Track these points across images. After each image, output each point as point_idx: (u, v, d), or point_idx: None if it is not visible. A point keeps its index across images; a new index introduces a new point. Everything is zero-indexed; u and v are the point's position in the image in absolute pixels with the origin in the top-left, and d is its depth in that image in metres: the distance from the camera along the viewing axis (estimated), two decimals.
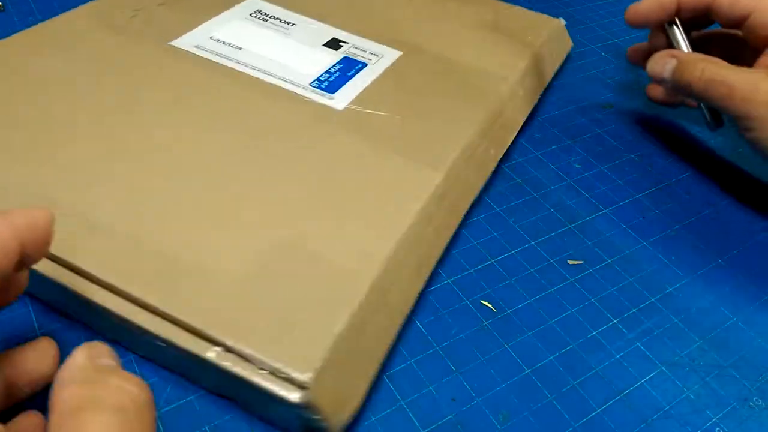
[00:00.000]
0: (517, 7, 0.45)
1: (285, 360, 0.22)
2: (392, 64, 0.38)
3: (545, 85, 0.42)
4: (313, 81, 0.35)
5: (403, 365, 0.27)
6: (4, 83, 0.32)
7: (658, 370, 0.28)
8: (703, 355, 0.29)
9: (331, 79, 0.35)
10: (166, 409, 0.24)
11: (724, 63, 0.34)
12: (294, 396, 0.21)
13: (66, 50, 0.35)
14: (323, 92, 0.34)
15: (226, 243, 0.26)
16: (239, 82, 0.34)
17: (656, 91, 0.41)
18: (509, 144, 0.37)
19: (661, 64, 0.36)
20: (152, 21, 0.38)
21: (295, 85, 0.35)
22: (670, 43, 0.38)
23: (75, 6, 0.45)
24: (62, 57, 0.34)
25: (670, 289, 0.31)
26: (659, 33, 0.39)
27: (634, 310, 0.30)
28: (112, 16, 0.38)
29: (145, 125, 0.31)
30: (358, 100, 0.34)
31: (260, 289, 0.24)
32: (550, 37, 0.43)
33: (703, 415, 0.26)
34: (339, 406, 0.23)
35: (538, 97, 0.41)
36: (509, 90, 0.38)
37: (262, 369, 0.22)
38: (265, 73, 0.35)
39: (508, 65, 0.39)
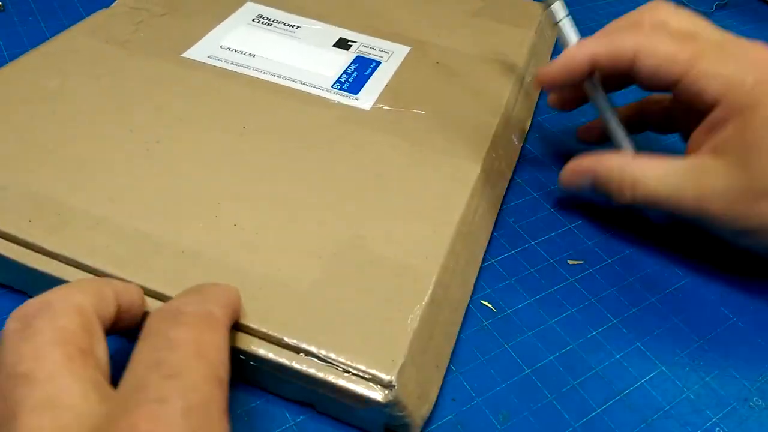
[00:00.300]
0: None
1: (368, 361, 0.22)
2: (404, 60, 0.38)
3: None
4: (334, 83, 0.35)
5: None
6: (23, 107, 0.31)
7: (658, 370, 0.28)
8: (703, 355, 0.29)
9: (350, 80, 0.36)
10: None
11: (643, 161, 0.30)
12: (381, 396, 0.22)
13: (78, 70, 0.34)
14: (347, 93, 0.35)
15: (290, 252, 0.26)
16: (262, 89, 0.34)
17: (587, 134, 0.37)
18: (528, 129, 0.38)
19: (578, 182, 0.32)
20: (157, 33, 0.38)
21: (318, 88, 0.35)
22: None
23: (75, 6, 0.45)
24: (77, 77, 0.33)
25: (670, 289, 0.31)
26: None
27: (634, 310, 0.30)
28: (113, 31, 0.37)
29: (183, 141, 0.30)
30: (383, 98, 0.35)
31: (330, 293, 0.25)
32: (543, 21, 0.44)
33: (703, 415, 0.26)
34: (420, 402, 0.23)
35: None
36: (521, 75, 0.39)
37: (346, 372, 0.22)
38: (284, 78, 0.35)
39: (513, 51, 0.40)
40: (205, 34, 0.38)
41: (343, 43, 0.39)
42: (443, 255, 0.27)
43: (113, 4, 0.40)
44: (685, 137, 0.31)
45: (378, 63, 0.37)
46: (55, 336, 0.16)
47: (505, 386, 0.26)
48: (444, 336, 0.26)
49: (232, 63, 0.36)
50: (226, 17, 0.40)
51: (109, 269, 0.24)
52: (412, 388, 0.23)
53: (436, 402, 0.25)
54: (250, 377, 0.24)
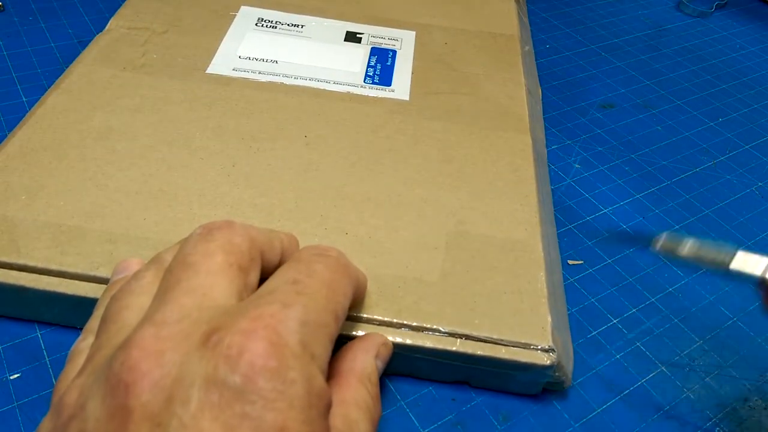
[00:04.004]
0: None
1: (523, 333, 0.25)
2: (415, 46, 0.39)
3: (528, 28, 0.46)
4: (365, 78, 0.36)
5: None
6: (77, 151, 0.30)
7: (658, 370, 0.28)
8: (703, 355, 0.29)
9: (377, 72, 0.36)
10: None
11: None
12: (547, 360, 0.24)
13: (112, 104, 0.32)
14: (381, 86, 0.36)
15: (408, 249, 0.27)
16: (303, 95, 0.34)
17: None
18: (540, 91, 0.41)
19: None
20: (167, 52, 0.36)
21: (352, 85, 0.35)
22: None
23: (75, 6, 0.45)
24: (116, 111, 0.32)
25: (670, 289, 0.31)
26: None
27: (634, 310, 0.30)
28: (123, 56, 0.36)
29: (256, 160, 0.30)
30: (415, 86, 0.36)
31: (461, 279, 0.26)
32: None
33: (703, 415, 0.26)
34: (567, 358, 0.26)
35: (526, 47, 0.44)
36: (520, 40, 0.41)
37: (506, 346, 0.24)
38: (317, 80, 0.36)
39: (505, 22, 0.43)
40: (216, 47, 0.37)
41: (352, 36, 0.39)
42: (537, 223, 0.29)
43: (108, 26, 0.38)
44: None
45: (394, 52, 0.38)
46: (225, 246, 0.19)
47: None
48: (560, 297, 0.29)
49: (259, 73, 0.36)
50: (227, 26, 0.39)
51: None
52: (560, 349, 0.25)
53: (436, 402, 0.25)
54: (405, 369, 0.26)
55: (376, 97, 0.35)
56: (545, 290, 0.26)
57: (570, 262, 0.32)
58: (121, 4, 0.40)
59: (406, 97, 0.35)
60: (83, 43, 0.36)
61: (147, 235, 0.26)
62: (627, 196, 0.36)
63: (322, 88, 0.35)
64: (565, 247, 0.33)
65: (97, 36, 0.37)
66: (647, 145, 0.41)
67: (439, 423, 0.25)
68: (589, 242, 0.33)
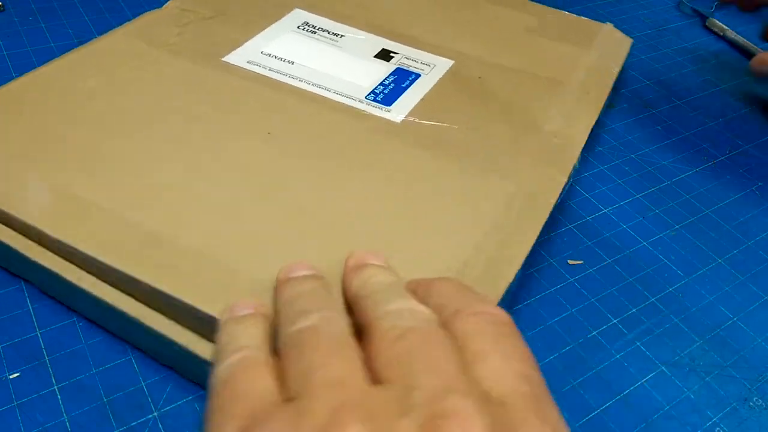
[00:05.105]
0: (563, 12, 0.45)
1: None
2: (446, 74, 0.37)
3: (609, 87, 0.39)
4: (369, 94, 0.35)
5: None
6: (59, 105, 0.31)
7: (658, 370, 0.28)
8: (703, 355, 0.29)
9: (386, 92, 0.35)
10: (165, 408, 0.24)
11: None
12: None
13: (117, 71, 0.34)
14: (379, 105, 0.34)
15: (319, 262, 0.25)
16: (294, 96, 0.34)
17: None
18: (579, 155, 0.33)
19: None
20: (201, 36, 0.37)
21: (351, 98, 0.34)
22: None
23: (75, 6, 0.45)
24: (116, 78, 0.34)
25: (670, 289, 0.31)
26: None
27: (634, 310, 0.30)
28: (156, 34, 0.37)
29: (207, 145, 0.30)
30: (416, 111, 0.34)
31: None
32: (602, 39, 0.42)
33: (703, 415, 0.26)
34: None
35: (605, 100, 0.38)
36: (572, 93, 0.37)
37: None
38: (319, 86, 0.35)
39: (563, 69, 0.38)
40: (248, 40, 0.38)
41: (384, 54, 0.38)
42: (457, 272, 0.26)
43: (165, 5, 0.40)
44: None
45: (417, 75, 0.37)
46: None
47: None
48: None
49: (270, 69, 0.36)
50: (271, 24, 0.39)
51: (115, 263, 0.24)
52: None
53: None
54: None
55: (366, 113, 0.34)
56: None
57: (570, 262, 0.32)
58: (121, 5, 0.40)
59: (398, 120, 0.33)
60: (83, 44, 0.36)
61: (69, 190, 0.27)
62: (627, 196, 0.36)
63: (321, 94, 0.34)
64: (565, 247, 0.33)
65: (150, 12, 0.39)
66: (647, 145, 0.41)
67: None
68: (589, 242, 0.33)
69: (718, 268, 0.33)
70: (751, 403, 0.27)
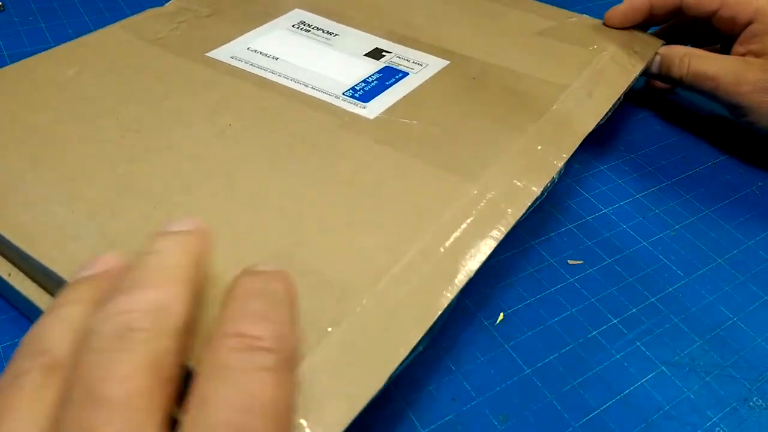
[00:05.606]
0: (583, 16, 0.43)
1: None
2: (436, 74, 0.36)
3: (618, 94, 0.36)
4: (347, 90, 0.34)
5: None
6: (33, 93, 0.32)
7: (658, 370, 0.28)
8: (703, 355, 0.29)
9: (367, 89, 0.34)
10: None
11: (705, 53, 0.38)
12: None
13: (98, 61, 0.34)
14: (356, 101, 0.33)
15: (225, 251, 0.24)
16: (268, 90, 0.34)
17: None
18: (561, 167, 0.31)
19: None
20: (194, 32, 0.37)
21: (328, 94, 0.34)
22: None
23: (75, 6, 0.45)
24: (94, 68, 0.34)
25: (670, 289, 0.31)
26: None
27: (634, 310, 0.30)
28: (149, 29, 0.37)
29: (161, 133, 0.30)
30: (393, 109, 0.33)
31: None
32: (622, 44, 0.40)
33: (703, 415, 0.26)
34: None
35: (611, 106, 0.35)
36: (566, 100, 0.34)
37: None
38: (297, 82, 0.34)
39: (568, 72, 0.36)
40: (239, 36, 0.38)
41: (376, 53, 0.37)
42: (387, 273, 0.24)
43: (167, 4, 0.40)
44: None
45: (405, 74, 0.36)
46: (150, 361, 0.16)
47: (505, 386, 0.26)
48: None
49: (252, 65, 0.35)
50: (266, 23, 0.39)
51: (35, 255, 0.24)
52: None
53: (436, 402, 0.25)
54: None
55: (339, 108, 0.32)
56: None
57: (570, 262, 0.32)
58: (121, 5, 0.40)
59: (371, 117, 0.32)
60: None
61: (18, 175, 0.27)
62: (627, 196, 0.36)
63: (297, 89, 0.34)
64: (565, 247, 0.33)
65: (151, 9, 0.39)
66: (647, 145, 0.41)
67: (439, 423, 0.25)
68: (589, 242, 0.33)
69: (718, 268, 0.33)
70: (751, 403, 0.27)
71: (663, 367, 0.28)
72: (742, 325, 0.30)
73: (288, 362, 0.17)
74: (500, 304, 0.29)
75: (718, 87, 0.37)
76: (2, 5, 0.44)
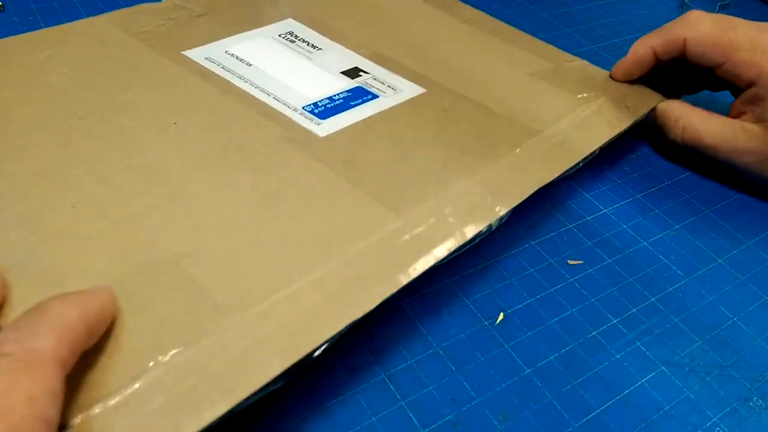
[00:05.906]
0: (584, 62, 0.41)
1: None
2: (408, 100, 0.34)
3: (583, 153, 0.33)
4: (308, 105, 0.33)
5: (403, 365, 0.27)
6: (3, 73, 0.32)
7: (658, 370, 0.28)
8: (703, 355, 0.29)
9: (329, 106, 0.33)
10: None
11: (699, 116, 0.37)
12: None
13: (73, 48, 0.35)
14: (312, 117, 0.32)
15: (112, 246, 0.24)
16: (229, 95, 0.33)
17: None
18: (504, 216, 0.29)
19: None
20: (179, 30, 0.37)
21: (287, 106, 0.33)
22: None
23: (75, 6, 0.45)
24: (67, 54, 0.34)
25: (670, 289, 0.31)
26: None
27: (634, 310, 0.30)
28: (136, 23, 0.37)
29: (104, 125, 0.30)
30: (346, 130, 0.32)
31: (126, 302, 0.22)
32: (615, 96, 0.38)
33: (703, 415, 0.26)
34: None
35: (577, 161, 0.33)
36: (532, 146, 0.32)
37: None
38: (261, 90, 0.34)
39: (544, 118, 0.34)
40: (221, 39, 0.38)
41: (353, 72, 0.37)
42: (257, 301, 0.22)
43: (163, 0, 0.40)
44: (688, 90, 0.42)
45: (375, 96, 0.35)
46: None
47: (505, 386, 0.26)
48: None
49: (222, 67, 0.35)
50: (254, 29, 0.39)
51: None
52: None
53: (436, 402, 0.25)
54: None
55: (293, 121, 0.32)
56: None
57: (570, 262, 0.32)
58: (121, 5, 0.40)
59: (321, 135, 0.31)
60: None
61: None
62: (627, 196, 0.36)
63: (258, 97, 0.33)
64: (565, 247, 0.33)
65: (145, 4, 0.39)
66: (647, 145, 0.41)
67: (439, 423, 0.25)
68: (589, 242, 0.33)
69: (718, 268, 0.33)
70: (751, 403, 0.27)
71: (663, 367, 0.28)
72: (742, 325, 0.30)
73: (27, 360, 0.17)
74: (500, 304, 0.29)
75: (717, 155, 0.36)
76: (2, 5, 0.44)
